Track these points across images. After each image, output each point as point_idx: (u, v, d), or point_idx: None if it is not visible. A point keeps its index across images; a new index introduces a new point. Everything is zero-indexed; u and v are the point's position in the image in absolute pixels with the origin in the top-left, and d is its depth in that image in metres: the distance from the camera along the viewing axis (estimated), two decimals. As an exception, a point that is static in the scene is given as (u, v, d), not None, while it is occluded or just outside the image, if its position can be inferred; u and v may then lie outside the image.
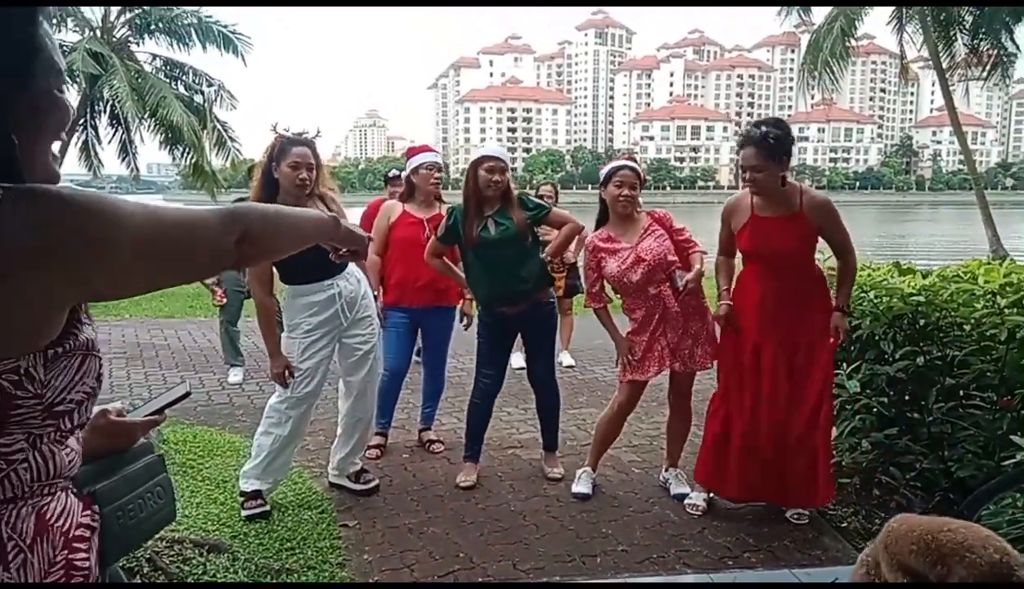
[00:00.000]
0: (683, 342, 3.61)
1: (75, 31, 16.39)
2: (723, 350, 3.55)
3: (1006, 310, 3.38)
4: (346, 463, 3.76)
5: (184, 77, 17.42)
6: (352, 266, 3.60)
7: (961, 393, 3.73)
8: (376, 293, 4.07)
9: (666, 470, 3.88)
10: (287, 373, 3.43)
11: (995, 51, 17.19)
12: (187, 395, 1.42)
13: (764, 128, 3.23)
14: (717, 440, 3.51)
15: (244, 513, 3.39)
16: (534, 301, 3.82)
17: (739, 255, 3.60)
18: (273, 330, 3.48)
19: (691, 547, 3.21)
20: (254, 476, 3.48)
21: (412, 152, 4.32)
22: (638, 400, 3.79)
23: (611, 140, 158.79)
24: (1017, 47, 17.23)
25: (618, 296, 3.84)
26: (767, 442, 3.36)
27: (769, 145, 3.19)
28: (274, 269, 3.45)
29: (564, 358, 6.49)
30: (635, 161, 3.89)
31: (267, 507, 3.43)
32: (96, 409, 1.33)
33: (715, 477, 3.54)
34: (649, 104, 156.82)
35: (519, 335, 4.02)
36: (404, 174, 4.36)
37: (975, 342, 3.57)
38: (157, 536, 2.94)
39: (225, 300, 5.92)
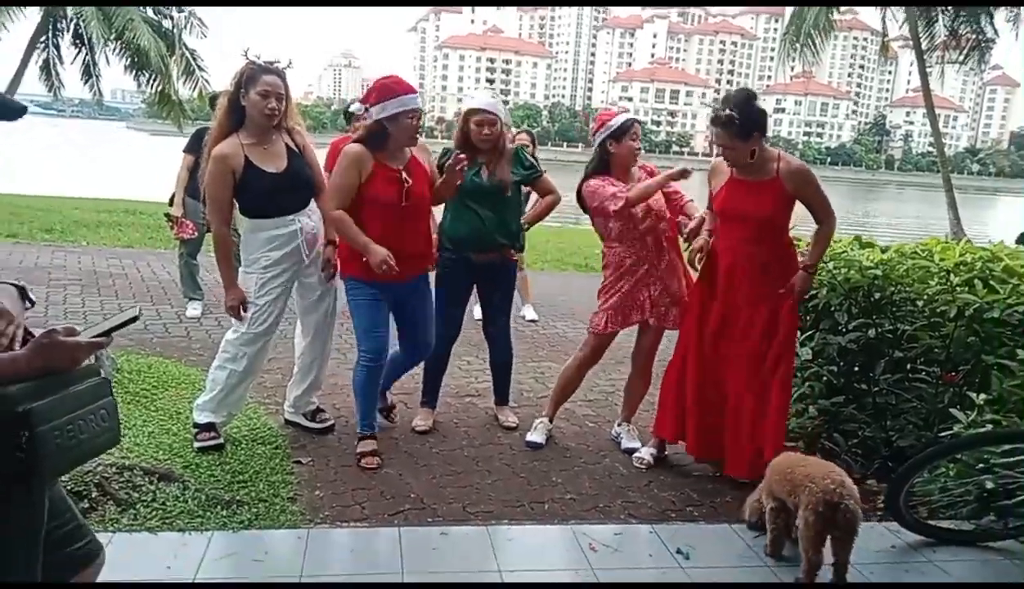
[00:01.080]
0: (662, 298, 3.66)
1: (38, -56, 15.64)
2: (690, 309, 3.58)
3: (958, 288, 3.47)
4: (302, 401, 3.77)
5: (152, 0, 16.80)
6: (313, 203, 3.55)
7: (908, 366, 3.84)
8: (334, 240, 3.70)
9: (619, 425, 3.96)
10: (241, 307, 3.40)
11: (974, 35, 17.32)
12: (135, 319, 1.40)
13: (728, 111, 3.17)
14: (675, 394, 3.56)
15: (197, 444, 3.39)
16: (503, 255, 3.84)
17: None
18: (230, 262, 3.43)
19: (636, 499, 3.30)
20: (208, 409, 3.46)
21: (385, 91, 3.30)
22: (602, 354, 3.84)
23: (590, 98, 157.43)
24: (996, 32, 17.39)
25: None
26: (720, 402, 3.43)
27: (736, 127, 3.18)
28: (234, 200, 3.39)
29: (528, 312, 6.53)
30: None
31: (220, 440, 3.43)
32: (45, 328, 1.31)
33: (675, 432, 3.59)
34: (630, 64, 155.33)
35: (476, 287, 3.99)
36: (372, 115, 3.30)
37: (926, 318, 3.67)
38: (107, 462, 2.94)
39: (196, 234, 5.71)
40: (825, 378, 3.88)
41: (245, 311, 3.41)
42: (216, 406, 3.47)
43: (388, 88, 3.32)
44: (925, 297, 3.63)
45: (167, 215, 5.77)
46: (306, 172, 3.50)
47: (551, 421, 3.94)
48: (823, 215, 3.34)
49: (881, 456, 3.67)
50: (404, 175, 3.34)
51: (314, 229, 3.52)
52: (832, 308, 3.91)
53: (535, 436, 3.82)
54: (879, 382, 3.74)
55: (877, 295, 3.77)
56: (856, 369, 3.89)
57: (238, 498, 2.99)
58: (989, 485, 2.86)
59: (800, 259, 3.42)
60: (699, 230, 3.56)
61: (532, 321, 6.43)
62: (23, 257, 7.66)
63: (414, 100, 3.34)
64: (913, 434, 3.58)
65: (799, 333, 3.89)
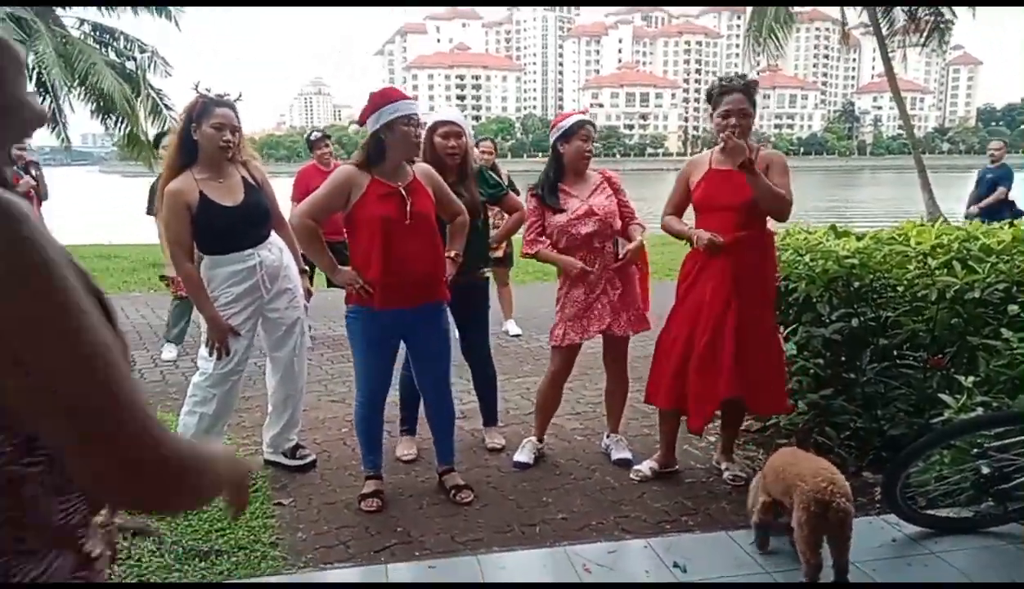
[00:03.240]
0: (621, 302, 3.60)
1: (-7, -5, 15.50)
2: (678, 301, 3.48)
3: (936, 271, 3.43)
4: (279, 440, 3.66)
5: (115, 43, 16.65)
6: (273, 235, 3.47)
7: (894, 353, 3.80)
8: (306, 269, 3.74)
9: (607, 436, 3.87)
10: (226, 340, 3.31)
11: (932, 17, 17.51)
12: None
13: (744, 77, 3.31)
14: (670, 357, 3.42)
15: None
16: (475, 275, 3.78)
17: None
18: (206, 295, 3.30)
19: (630, 512, 3.21)
20: None
21: (379, 99, 3.04)
22: (571, 366, 3.76)
23: (561, 107, 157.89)
24: (954, 14, 17.58)
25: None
26: (729, 347, 3.26)
27: (752, 92, 3.30)
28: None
29: (510, 327, 6.46)
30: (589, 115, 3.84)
31: None
32: None
33: (670, 400, 3.44)
34: (598, 71, 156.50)
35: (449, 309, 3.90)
36: (371, 127, 3.04)
37: (907, 303, 3.63)
38: (77, 522, 2.82)
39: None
40: (812, 371, 3.82)
41: (236, 335, 3.33)
42: None
43: (382, 95, 3.06)
44: (905, 282, 3.60)
45: (162, 277, 5.81)
46: (264, 205, 3.43)
47: (540, 440, 3.85)
48: (787, 191, 3.27)
49: (874, 447, 3.61)
50: (404, 192, 3.06)
51: (275, 262, 3.43)
52: (813, 300, 3.86)
53: (522, 456, 3.73)
54: (866, 372, 3.69)
55: (856, 284, 3.72)
56: (842, 360, 3.84)
57: (217, 547, 2.88)
58: (985, 470, 2.80)
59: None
60: (634, 257, 3.52)
61: (516, 335, 6.36)
62: (-7, 312, 7.48)
63: (410, 106, 3.07)
64: (904, 422, 3.53)
65: (782, 328, 3.85)
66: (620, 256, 3.59)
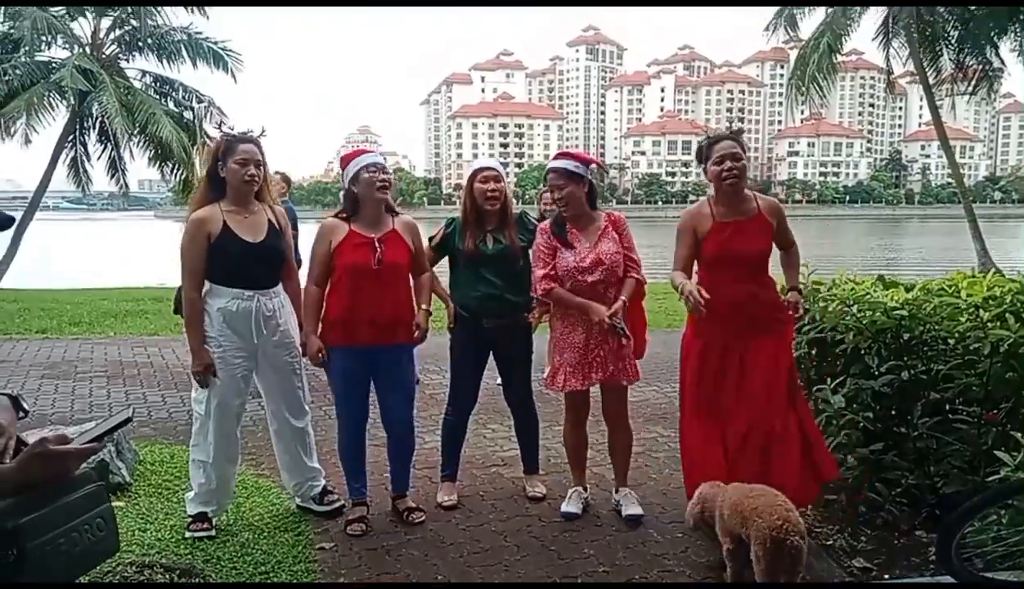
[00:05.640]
0: (618, 352, 3.56)
1: (64, 48, 16.40)
2: (688, 359, 3.47)
3: (989, 324, 3.35)
4: (301, 488, 3.69)
5: (174, 93, 17.44)
6: (279, 288, 3.54)
7: (947, 407, 3.69)
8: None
9: (615, 492, 3.78)
10: (207, 373, 3.35)
11: (980, 66, 17.34)
12: (128, 421, 1.37)
13: (729, 127, 3.48)
14: (701, 453, 3.41)
15: (187, 533, 3.36)
16: (518, 318, 3.81)
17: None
18: (199, 327, 3.37)
19: (674, 567, 3.16)
20: (197, 501, 3.44)
21: (344, 161, 3.50)
22: (586, 408, 3.74)
23: (603, 154, 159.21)
24: (1003, 62, 17.38)
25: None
26: (755, 439, 3.28)
27: (741, 139, 3.43)
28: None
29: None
30: (571, 156, 3.64)
31: (212, 531, 3.38)
32: (37, 436, 1.28)
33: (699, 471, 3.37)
34: (640, 119, 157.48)
35: (492, 353, 3.93)
36: (344, 183, 3.50)
37: (959, 356, 3.54)
38: (126, 560, 2.88)
39: None
40: (862, 425, 3.73)
41: (215, 376, 3.35)
42: (205, 497, 3.43)
43: (347, 157, 3.50)
44: (956, 335, 3.51)
45: None
46: (282, 250, 3.52)
47: (585, 489, 3.81)
48: (791, 242, 3.62)
49: (927, 504, 3.50)
50: (377, 242, 3.39)
51: (272, 311, 3.45)
52: (861, 352, 3.79)
53: (570, 506, 3.68)
54: (918, 426, 3.59)
55: (906, 336, 3.65)
56: (893, 414, 3.75)
57: (260, 591, 2.91)
58: (1045, 532, 2.69)
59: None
60: (615, 317, 3.45)
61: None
62: (51, 352, 7.76)
63: (370, 156, 3.48)
64: (959, 479, 3.42)
65: (829, 380, 3.78)
66: (607, 314, 3.43)
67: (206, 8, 16.25)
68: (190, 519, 3.41)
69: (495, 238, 3.73)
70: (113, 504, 3.65)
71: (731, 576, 2.87)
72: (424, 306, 3.57)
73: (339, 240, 3.41)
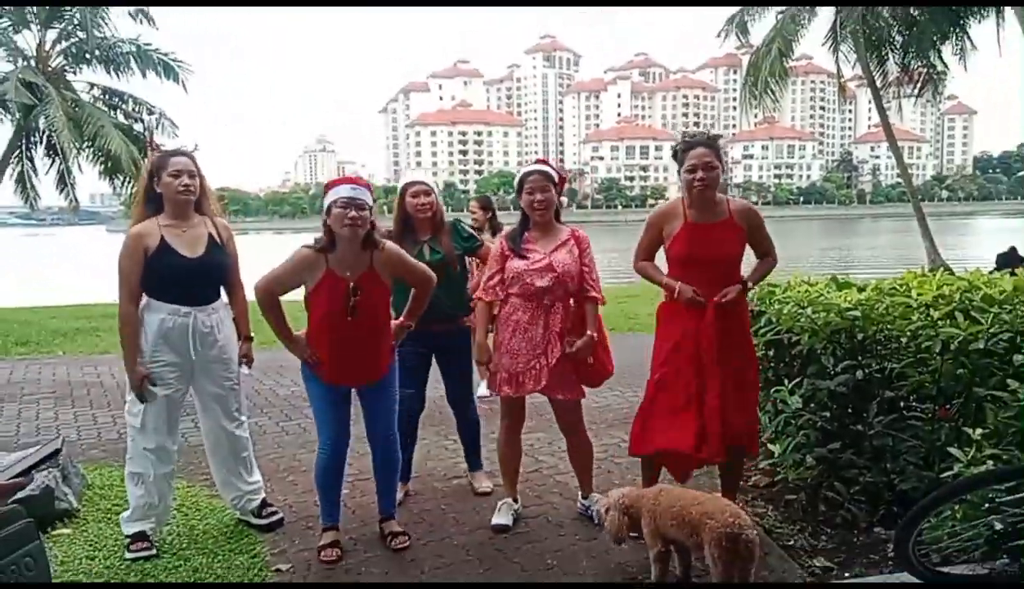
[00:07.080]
0: (564, 367, 3.50)
1: (8, 61, 15.89)
2: (658, 352, 3.48)
3: (939, 322, 3.41)
4: (240, 501, 3.65)
5: (123, 106, 17.03)
6: (218, 304, 3.47)
7: (901, 405, 3.76)
8: (252, 335, 3.64)
9: (583, 498, 3.77)
10: (144, 386, 3.26)
11: (925, 69, 17.83)
12: (58, 452, 1.30)
13: (707, 133, 3.48)
14: (656, 403, 3.42)
15: (127, 555, 3.27)
16: (457, 323, 3.92)
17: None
18: (135, 343, 3.28)
19: (638, 573, 3.14)
20: (134, 519, 3.37)
21: (324, 190, 3.24)
22: (522, 416, 3.71)
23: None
24: (946, 65, 17.91)
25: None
26: (713, 402, 3.31)
27: (717, 146, 3.40)
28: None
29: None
30: (549, 164, 3.67)
31: (153, 550, 3.30)
32: None
33: (661, 436, 3.38)
34: (598, 125, 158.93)
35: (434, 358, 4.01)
36: (322, 216, 3.22)
37: (912, 354, 3.60)
38: (71, 592, 2.77)
39: None
40: (819, 425, 3.77)
41: (153, 385, 3.28)
42: (143, 512, 3.36)
43: (327, 186, 3.20)
44: (908, 333, 3.57)
45: None
46: (224, 264, 3.45)
47: (515, 500, 3.75)
48: (769, 250, 3.55)
49: (885, 501, 3.55)
50: (353, 285, 3.13)
51: (210, 328, 3.39)
52: (817, 352, 3.83)
53: (500, 518, 3.62)
54: (874, 424, 3.64)
55: (860, 336, 3.71)
56: (849, 412, 3.80)
57: (214, 617, 2.82)
58: (998, 526, 2.73)
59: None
60: (584, 352, 3.46)
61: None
62: (-5, 374, 7.48)
63: (345, 188, 3.12)
64: (914, 476, 3.47)
65: (786, 381, 3.82)
66: (570, 350, 3.45)
67: (153, 16, 15.90)
68: (128, 540, 3.32)
69: (431, 248, 3.84)
70: (60, 532, 3.52)
71: (656, 577, 2.93)
72: (406, 321, 3.46)
73: (316, 281, 3.14)
